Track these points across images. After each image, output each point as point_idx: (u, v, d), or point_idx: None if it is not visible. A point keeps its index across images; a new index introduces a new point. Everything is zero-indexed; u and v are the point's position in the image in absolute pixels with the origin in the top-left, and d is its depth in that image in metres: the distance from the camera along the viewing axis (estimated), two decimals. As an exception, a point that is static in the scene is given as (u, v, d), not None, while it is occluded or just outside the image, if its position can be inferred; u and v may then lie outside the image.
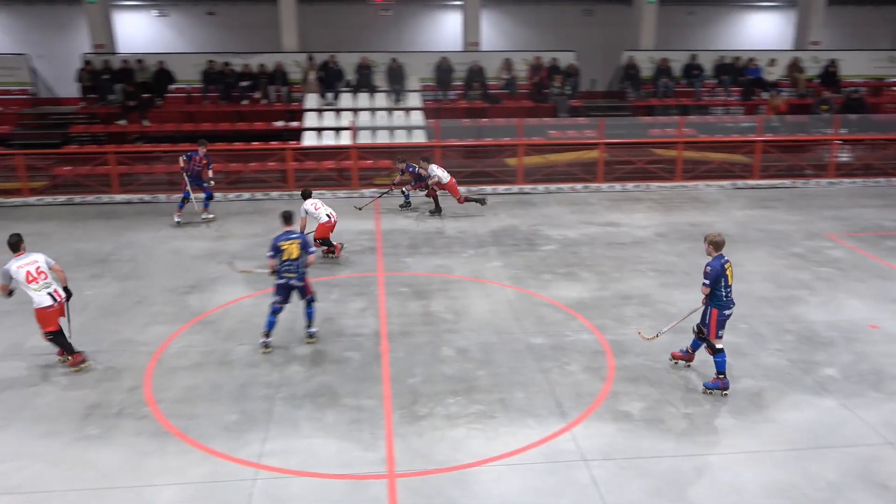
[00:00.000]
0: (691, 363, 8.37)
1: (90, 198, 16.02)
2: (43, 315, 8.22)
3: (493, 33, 24.45)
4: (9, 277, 8.11)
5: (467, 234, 13.67)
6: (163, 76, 19.34)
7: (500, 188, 17.11)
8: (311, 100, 19.15)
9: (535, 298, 10.52)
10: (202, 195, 14.35)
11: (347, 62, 19.69)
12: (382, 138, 18.32)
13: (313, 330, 9.18)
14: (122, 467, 6.67)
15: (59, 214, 15.17)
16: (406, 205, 15.40)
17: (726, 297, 7.75)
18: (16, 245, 8.23)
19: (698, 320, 8.02)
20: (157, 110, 19.07)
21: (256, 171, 16.79)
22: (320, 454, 6.85)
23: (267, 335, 8.89)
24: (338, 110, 19.02)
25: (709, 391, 7.81)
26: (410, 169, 14.90)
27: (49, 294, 8.20)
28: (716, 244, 7.73)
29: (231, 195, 16.21)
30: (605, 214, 15.15)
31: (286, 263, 8.72)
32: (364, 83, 19.70)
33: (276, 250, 8.77)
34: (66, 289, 8.48)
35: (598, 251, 12.52)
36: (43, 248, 12.59)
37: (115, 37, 21.57)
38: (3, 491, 6.33)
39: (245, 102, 19.38)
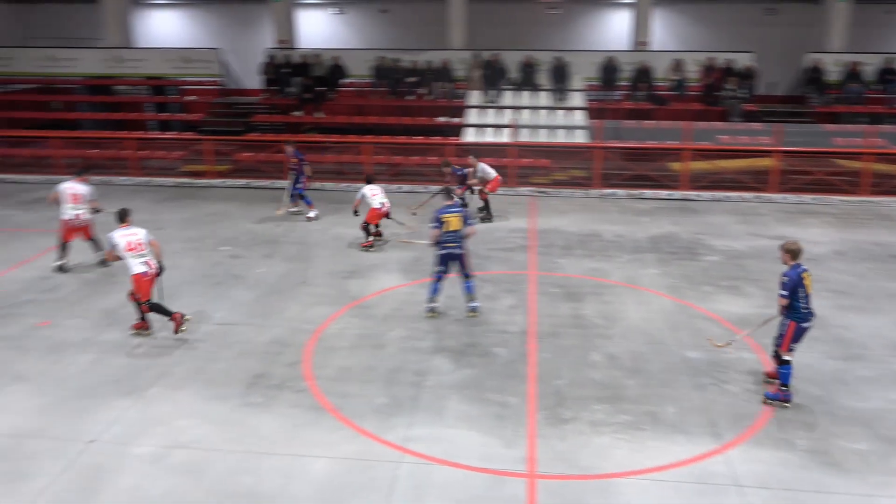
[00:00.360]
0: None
1: (266, 183, 17.17)
2: (138, 280, 8.92)
3: (664, 32, 23.58)
4: (112, 245, 8.99)
5: (625, 239, 13.32)
6: (337, 71, 20.35)
7: (662, 193, 16.51)
8: (474, 97, 19.42)
9: (692, 310, 10.07)
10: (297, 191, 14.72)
11: (511, 60, 19.77)
12: (543, 137, 18.24)
13: (475, 304, 9.80)
14: (279, 435, 7.11)
15: (239, 197, 16.39)
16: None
17: (805, 308, 7.42)
18: (122, 217, 9.16)
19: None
20: (330, 103, 20.10)
21: (417, 165, 17.26)
22: (463, 445, 6.94)
23: (432, 300, 9.77)
24: (499, 108, 19.16)
25: (769, 402, 7.57)
26: (457, 171, 14.42)
27: (143, 263, 8.92)
28: (792, 252, 7.45)
29: (393, 187, 16.78)
30: (777, 227, 14.20)
31: (448, 234, 9.45)
32: (527, 81, 19.70)
33: (439, 222, 9.46)
34: (160, 264, 9.12)
35: (766, 266, 11.74)
36: (222, 227, 13.73)
37: (297, 33, 22.94)
38: (178, 445, 6.95)
39: (411, 97, 19.98)
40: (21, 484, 6.40)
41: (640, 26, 21.33)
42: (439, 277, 9.67)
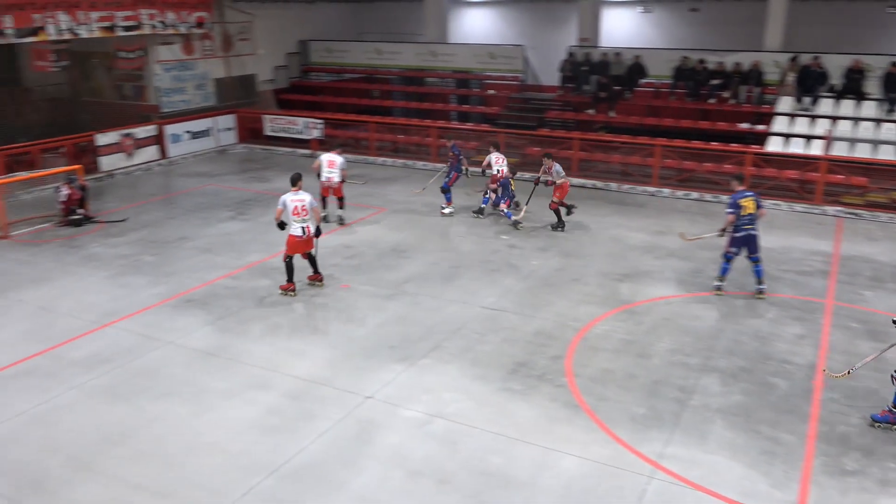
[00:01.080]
0: None
1: (551, 178, 17.47)
2: (292, 241, 10.16)
3: None
4: (284, 205, 10.06)
5: (954, 278, 11.34)
6: (636, 70, 19.96)
7: None
8: (785, 103, 17.80)
9: None
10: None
11: (834, 64, 17.71)
12: (863, 152, 16.14)
13: (763, 287, 10.31)
14: (533, 425, 7.25)
15: (523, 189, 16.85)
16: (479, 212, 14.36)
17: None
18: (294, 181, 10.26)
19: None
20: (625, 103, 19.80)
21: (710, 172, 16.32)
22: (723, 474, 6.48)
23: (720, 280, 10.38)
24: (813, 117, 17.34)
25: (877, 425, 7.12)
26: (455, 151, 14.55)
27: (301, 227, 10.07)
28: None
29: (679, 193, 16.09)
30: None
31: (745, 218, 9.95)
32: (851, 89, 17.53)
33: (737, 206, 9.94)
34: (318, 228, 10.30)
35: None
36: (503, 217, 14.20)
37: (600, 31, 22.92)
38: (440, 415, 7.42)
39: (712, 101, 18.93)
40: (308, 422, 7.32)
41: None
42: (729, 258, 10.24)
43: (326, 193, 13.63)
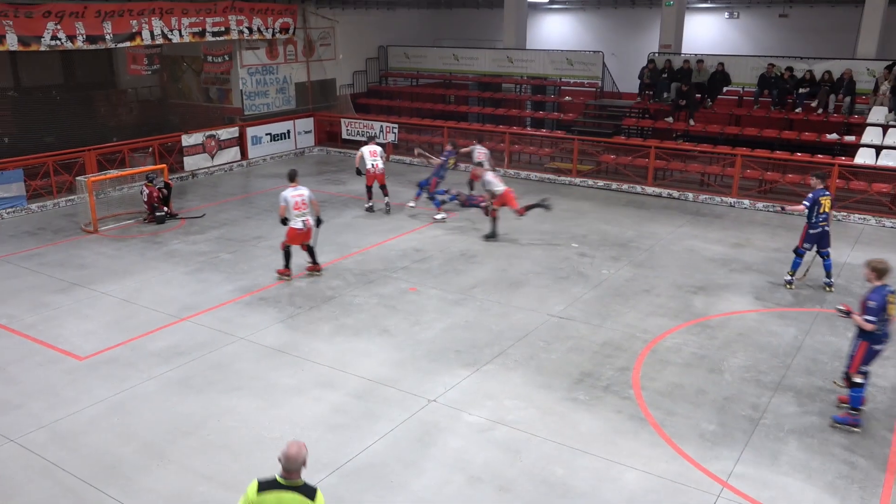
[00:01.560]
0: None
1: (625, 186, 17.17)
2: (292, 233, 10.91)
3: None
4: (285, 201, 10.73)
5: None
6: (719, 78, 19.40)
7: None
8: (878, 113, 16.97)
9: None
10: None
11: (934, 73, 16.79)
12: (962, 166, 15.23)
13: (831, 281, 10.77)
14: (597, 437, 7.13)
15: (596, 197, 16.67)
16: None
17: (880, 330, 6.95)
18: (292, 177, 10.99)
19: None
20: (706, 111, 19.28)
21: (793, 184, 15.71)
22: (795, 497, 6.22)
23: (792, 274, 10.87)
24: (908, 128, 16.47)
25: (838, 426, 7.19)
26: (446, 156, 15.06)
27: (301, 221, 10.84)
28: (878, 271, 7.06)
29: (759, 205, 15.55)
30: None
31: (822, 216, 10.44)
32: (952, 99, 16.57)
33: (815, 203, 10.43)
34: (318, 219, 11.06)
35: None
36: (576, 225, 14.09)
37: (682, 37, 22.39)
38: (503, 421, 7.39)
39: (798, 110, 18.21)
40: (371, 421, 7.41)
41: None
42: (802, 253, 10.71)
43: (371, 182, 14.81)
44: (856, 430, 7.16)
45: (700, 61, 19.74)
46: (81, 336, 9.42)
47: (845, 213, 14.68)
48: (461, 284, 11.07)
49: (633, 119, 20.22)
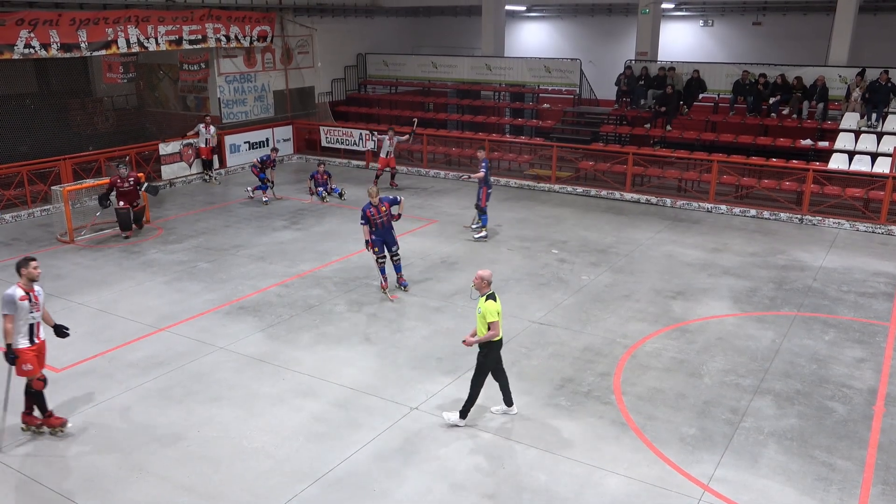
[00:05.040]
0: None
1: (603, 192, 17.29)
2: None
3: None
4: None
5: None
6: (694, 84, 19.62)
7: None
8: (850, 119, 17.26)
9: None
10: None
11: (904, 80, 17.11)
12: (933, 171, 15.51)
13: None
14: (579, 442, 7.15)
15: (575, 203, 16.76)
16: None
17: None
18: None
19: None
20: (682, 118, 19.47)
21: (769, 189, 15.92)
22: (776, 500, 6.28)
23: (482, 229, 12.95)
24: (880, 134, 16.76)
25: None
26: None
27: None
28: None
29: (736, 210, 15.73)
30: None
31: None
32: (921, 105, 16.89)
33: (489, 168, 12.78)
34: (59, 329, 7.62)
35: None
36: (555, 231, 14.16)
37: (658, 45, 22.62)
38: (485, 429, 7.40)
39: (773, 116, 18.48)
40: (352, 430, 7.37)
41: None
42: (486, 210, 13.29)
43: (383, 167, 17.43)
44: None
45: (674, 68, 19.95)
46: (58, 347, 9.24)
47: (820, 218, 14.89)
48: (442, 291, 11.07)
49: (611, 126, 20.37)
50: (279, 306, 10.56)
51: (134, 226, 14.21)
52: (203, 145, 18.68)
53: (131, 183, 14.02)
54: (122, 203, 13.93)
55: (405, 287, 11.04)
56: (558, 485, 6.50)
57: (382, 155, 17.51)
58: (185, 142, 18.67)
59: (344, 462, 6.86)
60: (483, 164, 13.66)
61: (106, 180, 15.02)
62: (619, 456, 6.93)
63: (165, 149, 18.22)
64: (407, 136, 17.87)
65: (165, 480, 6.63)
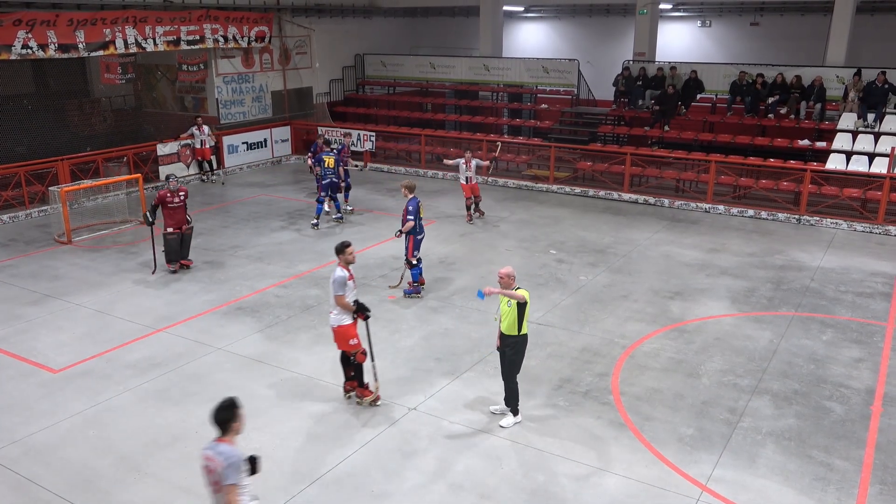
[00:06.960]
0: None
1: (601, 193, 17.30)
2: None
3: None
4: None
5: None
6: (692, 85, 19.65)
7: None
8: (847, 120, 17.28)
9: None
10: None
11: (901, 80, 17.14)
12: (930, 171, 15.54)
13: (340, 215, 13.69)
14: (577, 442, 7.15)
15: (573, 203, 16.77)
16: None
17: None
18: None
19: None
20: (680, 118, 19.49)
21: (767, 190, 15.94)
22: (773, 499, 6.29)
23: (318, 218, 13.77)
24: (878, 134, 16.79)
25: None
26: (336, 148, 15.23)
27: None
28: (409, 188, 10.51)
29: (734, 210, 15.74)
30: None
31: (328, 170, 12.93)
32: (918, 105, 16.92)
33: (320, 161, 13.07)
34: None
35: None
36: (554, 231, 14.20)
37: (656, 45, 22.64)
38: (484, 429, 7.38)
39: (770, 117, 18.50)
40: (351, 431, 7.37)
41: None
42: (322, 201, 14.06)
43: (469, 194, 14.99)
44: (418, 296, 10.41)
45: (673, 68, 19.97)
46: (55, 348, 9.27)
47: (818, 218, 14.91)
48: (441, 292, 11.07)
49: (609, 126, 20.38)
50: (277, 307, 10.55)
51: (180, 262, 11.89)
52: (199, 146, 18.67)
53: (181, 198, 11.82)
54: (170, 228, 11.73)
55: (410, 294, 11.05)
56: (556, 485, 6.50)
57: (462, 181, 14.90)
58: (183, 142, 18.67)
59: (343, 462, 6.86)
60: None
61: (104, 181, 15.04)
62: (617, 456, 6.93)
63: (163, 149, 18.20)
64: (489, 163, 16.50)
65: (163, 482, 6.62)
